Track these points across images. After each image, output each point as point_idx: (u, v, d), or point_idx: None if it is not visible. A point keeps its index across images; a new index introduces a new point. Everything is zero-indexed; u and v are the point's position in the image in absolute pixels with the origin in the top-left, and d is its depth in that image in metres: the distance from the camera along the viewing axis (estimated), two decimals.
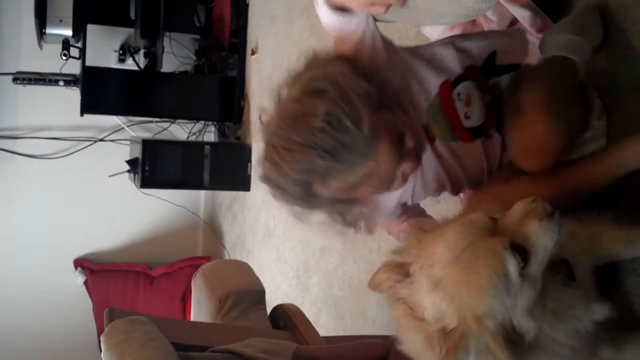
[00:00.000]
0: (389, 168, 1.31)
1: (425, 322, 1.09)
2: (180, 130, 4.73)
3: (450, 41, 1.50)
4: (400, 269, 1.16)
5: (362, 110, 1.24)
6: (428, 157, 1.47)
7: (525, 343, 1.07)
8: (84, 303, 4.69)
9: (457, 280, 1.06)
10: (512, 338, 1.05)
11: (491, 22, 1.66)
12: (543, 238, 1.06)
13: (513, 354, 1.03)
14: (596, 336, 1.25)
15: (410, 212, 1.67)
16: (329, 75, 1.26)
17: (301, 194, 1.30)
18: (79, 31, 3.92)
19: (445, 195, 2.04)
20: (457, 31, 1.70)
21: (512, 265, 1.03)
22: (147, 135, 4.61)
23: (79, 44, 3.96)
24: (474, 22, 1.69)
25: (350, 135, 1.23)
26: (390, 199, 1.54)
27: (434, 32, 1.84)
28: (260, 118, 1.36)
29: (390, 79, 1.35)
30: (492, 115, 1.47)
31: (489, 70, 1.48)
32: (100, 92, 4.05)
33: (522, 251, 1.04)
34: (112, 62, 4.55)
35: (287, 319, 2.05)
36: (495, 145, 1.50)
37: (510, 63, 1.50)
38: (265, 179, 1.33)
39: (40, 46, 4.09)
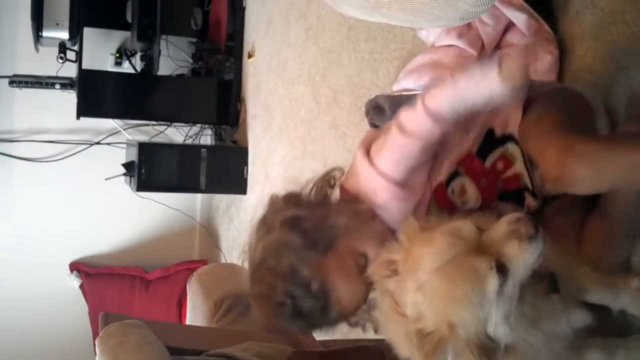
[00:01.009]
0: (357, 293, 1.37)
1: (407, 318, 1.15)
2: (176, 134, 4.73)
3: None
4: (390, 266, 1.21)
5: (308, 273, 1.32)
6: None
7: (501, 348, 1.11)
8: (79, 306, 4.68)
9: (437, 288, 1.10)
10: (486, 345, 1.10)
11: (487, 25, 1.66)
12: (522, 259, 1.09)
13: (486, 358, 1.08)
14: (585, 341, 1.29)
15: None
16: (273, 245, 1.38)
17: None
18: (76, 34, 3.92)
19: None
20: (453, 34, 1.70)
21: (492, 285, 1.07)
22: (143, 138, 4.60)
23: (76, 47, 3.96)
24: (469, 25, 1.69)
25: (306, 301, 1.32)
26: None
27: (430, 36, 1.84)
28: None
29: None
30: (491, 194, 1.46)
31: (488, 148, 1.46)
32: (96, 95, 4.05)
33: (502, 269, 1.08)
34: (108, 66, 4.55)
35: None
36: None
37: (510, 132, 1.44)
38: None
39: (37, 49, 4.08)
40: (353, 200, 1.40)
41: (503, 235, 1.10)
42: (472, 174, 1.45)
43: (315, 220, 1.37)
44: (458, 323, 1.08)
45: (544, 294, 1.18)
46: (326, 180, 1.47)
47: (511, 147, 1.42)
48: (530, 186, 1.39)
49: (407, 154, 1.34)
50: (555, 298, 1.19)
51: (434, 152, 1.41)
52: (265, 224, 1.43)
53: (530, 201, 1.40)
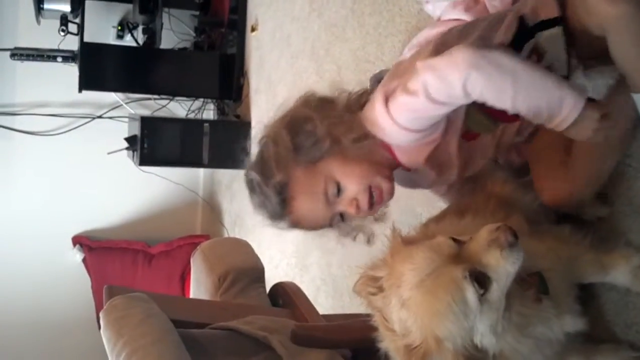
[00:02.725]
0: (315, 214, 1.44)
1: (395, 334, 1.17)
2: (179, 108, 4.71)
3: None
4: (374, 282, 1.23)
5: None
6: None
7: (490, 357, 1.14)
8: (82, 280, 4.71)
9: (420, 303, 1.12)
10: (474, 356, 1.12)
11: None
12: (503, 267, 1.10)
13: None
14: (567, 345, 1.32)
15: None
16: (269, 131, 1.46)
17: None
18: (77, 7, 3.89)
19: None
20: (459, 8, 1.67)
21: (470, 293, 1.09)
22: (145, 112, 4.59)
23: (77, 20, 3.93)
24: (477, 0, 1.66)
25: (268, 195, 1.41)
26: None
27: (436, 9, 1.82)
28: None
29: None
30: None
31: (523, 38, 1.38)
32: (98, 68, 4.03)
33: (483, 278, 1.09)
34: (110, 39, 4.52)
35: (286, 297, 2.06)
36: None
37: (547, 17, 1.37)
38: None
39: (38, 22, 4.06)
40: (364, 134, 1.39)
41: (484, 245, 1.12)
42: None
43: (317, 132, 1.38)
44: (444, 336, 1.11)
45: (533, 299, 1.19)
46: (358, 98, 1.45)
47: (542, 37, 1.36)
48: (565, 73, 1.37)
49: (428, 115, 1.31)
50: (546, 302, 1.21)
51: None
52: (283, 111, 1.47)
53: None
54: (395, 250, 1.22)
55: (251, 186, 1.48)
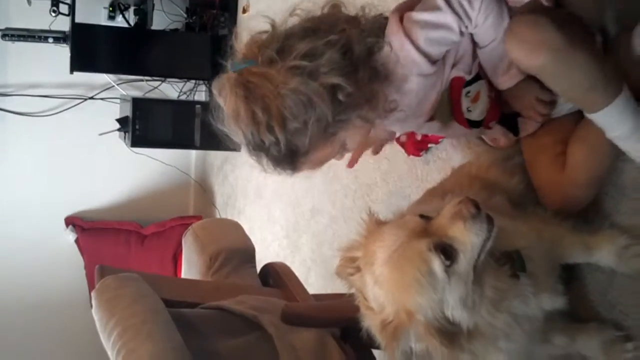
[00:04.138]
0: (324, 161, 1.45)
1: (374, 311, 1.21)
2: (170, 89, 4.70)
3: None
4: (352, 263, 1.27)
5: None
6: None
7: (463, 331, 1.16)
8: (75, 261, 4.71)
9: (389, 278, 1.16)
10: (446, 328, 1.15)
11: None
12: (468, 238, 1.13)
13: (448, 341, 1.13)
14: (551, 324, 1.35)
15: None
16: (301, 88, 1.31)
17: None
18: None
19: (434, 156, 2.05)
20: None
21: (436, 265, 1.12)
22: (137, 93, 4.57)
23: (68, 1, 3.90)
24: None
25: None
26: None
27: None
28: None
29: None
30: (495, 111, 1.53)
31: None
32: (90, 49, 4.00)
33: (449, 250, 1.12)
34: (102, 19, 4.49)
35: (276, 277, 2.08)
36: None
37: None
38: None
39: (29, 2, 4.02)
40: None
41: (448, 218, 1.15)
42: (491, 83, 1.51)
43: (342, 112, 1.34)
44: (415, 309, 1.13)
45: (509, 275, 1.21)
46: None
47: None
48: None
49: (445, 37, 1.37)
50: (523, 279, 1.23)
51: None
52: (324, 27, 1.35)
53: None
54: (370, 231, 1.25)
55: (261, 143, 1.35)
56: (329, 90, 1.29)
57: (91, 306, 1.60)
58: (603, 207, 1.50)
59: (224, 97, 1.34)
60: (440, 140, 2.05)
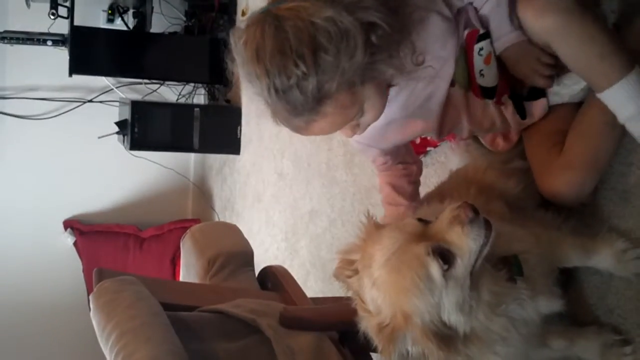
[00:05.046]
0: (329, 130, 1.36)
1: (371, 314, 1.20)
2: (169, 92, 4.70)
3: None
4: (350, 266, 1.26)
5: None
6: (439, 91, 1.46)
7: (460, 335, 1.16)
8: (73, 264, 4.72)
9: (387, 280, 1.16)
10: (443, 332, 1.14)
11: None
12: (466, 242, 1.13)
13: (444, 345, 1.13)
14: (549, 328, 1.35)
15: (395, 156, 1.68)
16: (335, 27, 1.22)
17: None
18: None
19: (432, 160, 2.05)
20: None
21: (434, 269, 1.11)
22: (136, 96, 4.58)
23: (67, 3, 3.90)
24: None
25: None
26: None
27: None
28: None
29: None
30: (506, 81, 1.48)
31: None
32: (88, 52, 4.01)
33: (447, 254, 1.12)
34: (100, 22, 4.50)
35: (274, 280, 2.07)
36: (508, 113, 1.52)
37: None
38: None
39: (28, 5, 4.03)
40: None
41: (446, 223, 1.14)
42: None
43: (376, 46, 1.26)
44: (412, 311, 1.13)
45: (506, 279, 1.21)
46: None
47: None
48: None
49: None
50: (521, 283, 1.23)
51: None
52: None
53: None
54: (369, 233, 1.25)
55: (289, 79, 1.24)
56: (364, 28, 1.22)
57: (89, 309, 1.60)
58: (601, 211, 1.50)
59: (246, 36, 1.26)
60: (439, 143, 2.05)
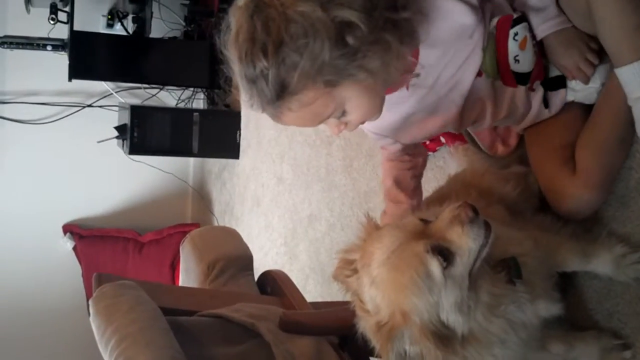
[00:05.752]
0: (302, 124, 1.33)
1: (370, 313, 1.20)
2: (169, 97, 4.71)
3: None
4: (349, 266, 1.26)
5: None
6: (463, 84, 1.43)
7: (458, 336, 1.15)
8: (73, 268, 4.71)
9: (386, 278, 1.15)
10: (441, 332, 1.14)
11: None
12: (466, 242, 1.13)
13: (442, 345, 1.12)
14: (548, 332, 1.35)
15: (406, 146, 1.64)
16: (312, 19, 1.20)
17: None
18: None
19: (431, 165, 2.05)
20: None
21: (434, 267, 1.11)
22: (135, 101, 4.58)
23: (67, 8, 3.91)
24: None
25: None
26: (385, 119, 1.46)
27: None
28: None
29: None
30: (540, 66, 1.46)
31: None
32: (88, 57, 4.02)
33: (446, 253, 1.12)
34: (100, 27, 4.51)
35: (274, 285, 2.07)
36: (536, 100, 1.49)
37: None
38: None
39: (28, 10, 4.04)
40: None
41: (447, 222, 1.15)
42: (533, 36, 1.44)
43: (350, 53, 1.21)
44: (410, 310, 1.13)
45: (506, 281, 1.21)
46: None
47: None
48: None
49: None
50: (520, 286, 1.23)
51: None
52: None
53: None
54: (369, 234, 1.25)
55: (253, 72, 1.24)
56: (337, 27, 1.18)
57: (89, 313, 1.60)
58: (600, 215, 1.50)
59: (235, 16, 1.26)
60: (437, 148, 2.05)
